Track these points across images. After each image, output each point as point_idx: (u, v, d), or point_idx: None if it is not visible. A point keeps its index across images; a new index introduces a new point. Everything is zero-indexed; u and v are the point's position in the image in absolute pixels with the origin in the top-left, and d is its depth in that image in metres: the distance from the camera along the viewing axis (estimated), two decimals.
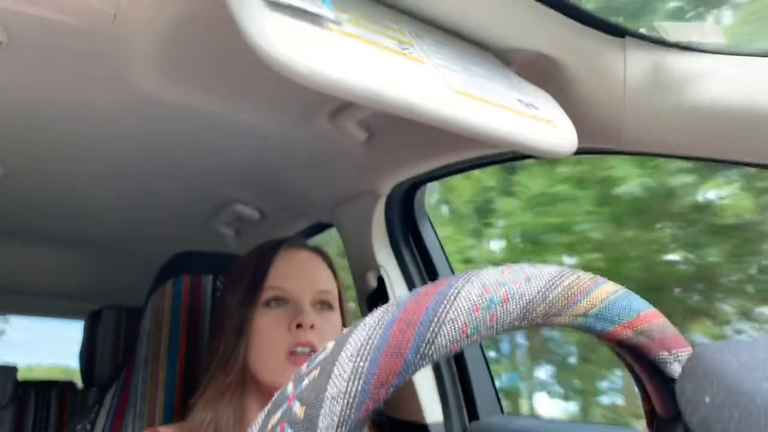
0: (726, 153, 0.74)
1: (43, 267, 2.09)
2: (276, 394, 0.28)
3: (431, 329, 0.28)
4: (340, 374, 0.26)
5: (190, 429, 0.84)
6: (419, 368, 0.28)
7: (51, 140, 1.14)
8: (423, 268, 1.30)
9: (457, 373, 1.24)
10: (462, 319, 0.28)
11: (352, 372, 0.26)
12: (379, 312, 0.29)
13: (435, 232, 1.34)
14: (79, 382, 2.04)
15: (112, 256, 2.02)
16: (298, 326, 0.85)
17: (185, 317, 1.06)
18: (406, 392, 1.20)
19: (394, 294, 1.24)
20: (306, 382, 0.27)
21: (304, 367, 0.28)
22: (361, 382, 0.26)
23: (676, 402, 0.36)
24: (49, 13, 0.73)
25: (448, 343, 0.28)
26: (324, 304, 0.91)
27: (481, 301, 0.29)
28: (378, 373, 0.26)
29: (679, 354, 0.36)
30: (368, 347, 0.27)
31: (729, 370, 0.29)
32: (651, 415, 0.39)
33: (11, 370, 1.83)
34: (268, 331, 0.85)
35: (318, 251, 0.97)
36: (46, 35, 0.78)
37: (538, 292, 0.31)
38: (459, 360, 1.24)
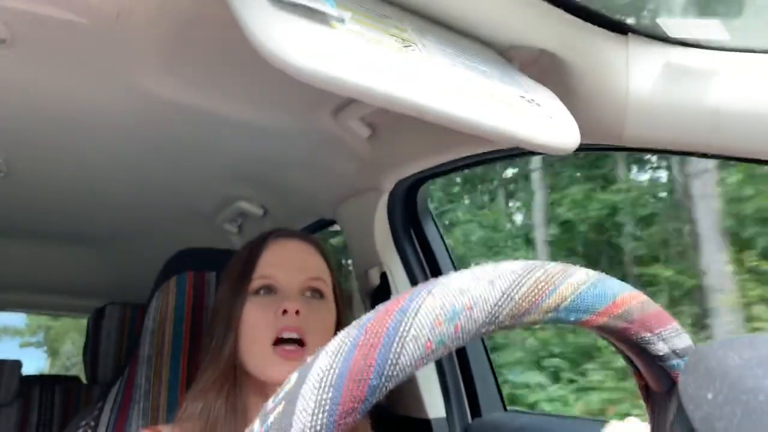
0: (730, 149, 0.74)
1: (48, 264, 2.10)
2: None
3: (393, 350, 0.27)
4: (304, 408, 0.25)
5: (181, 422, 0.84)
6: (386, 390, 0.27)
7: (54, 138, 1.14)
8: (426, 265, 1.30)
9: (459, 370, 1.24)
10: (425, 334, 0.27)
11: (316, 404, 0.25)
12: (340, 336, 0.28)
13: (438, 228, 1.34)
14: (83, 378, 2.05)
15: (116, 253, 2.02)
16: (284, 312, 0.84)
17: (189, 314, 1.06)
18: (409, 388, 1.21)
19: (397, 290, 1.24)
20: (271, 419, 0.26)
21: (270, 403, 0.27)
22: (326, 414, 0.25)
23: (667, 376, 0.36)
24: (51, 10, 0.73)
25: (413, 361, 0.27)
26: (315, 292, 0.90)
27: (442, 313, 0.28)
28: (342, 402, 0.26)
29: (662, 332, 0.35)
30: (330, 376, 0.26)
31: (732, 367, 0.29)
32: (645, 389, 0.39)
33: (16, 366, 1.84)
34: (254, 319, 0.85)
35: (310, 240, 0.95)
36: (48, 33, 0.78)
37: (503, 294, 0.30)
38: (461, 356, 1.25)
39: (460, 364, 1.25)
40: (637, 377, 0.39)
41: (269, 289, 0.88)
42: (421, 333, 0.27)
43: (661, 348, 0.35)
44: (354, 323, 0.28)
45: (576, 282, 0.32)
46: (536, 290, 0.31)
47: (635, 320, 0.34)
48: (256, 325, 0.85)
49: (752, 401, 0.27)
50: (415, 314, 0.28)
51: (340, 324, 0.92)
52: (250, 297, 0.87)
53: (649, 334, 0.35)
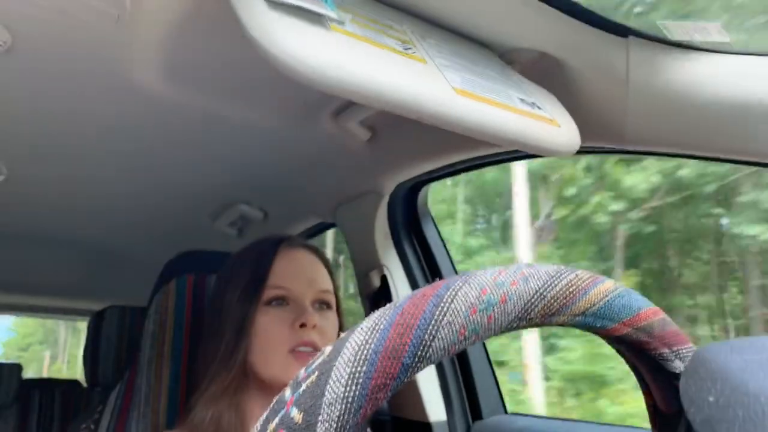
0: (729, 152, 0.74)
1: (48, 267, 2.09)
2: (274, 400, 0.27)
3: (428, 332, 0.27)
4: (337, 379, 0.26)
5: (191, 428, 0.84)
6: (417, 371, 0.27)
7: (55, 141, 1.14)
8: (426, 268, 1.30)
9: (460, 373, 1.24)
10: (459, 321, 0.28)
11: (349, 377, 0.26)
12: (376, 315, 0.29)
13: (438, 231, 1.34)
14: (83, 381, 2.05)
15: (116, 256, 2.02)
16: (302, 326, 0.85)
17: (189, 317, 1.06)
18: (410, 391, 1.20)
19: (398, 293, 1.24)
20: (303, 387, 0.27)
21: (302, 372, 0.28)
22: (358, 386, 0.26)
23: (678, 397, 0.36)
24: (52, 14, 0.73)
25: (446, 346, 0.28)
26: (323, 304, 0.91)
27: (478, 302, 0.29)
28: (375, 377, 0.26)
29: (680, 350, 0.36)
30: (366, 351, 0.27)
31: (733, 369, 0.29)
32: (653, 409, 0.39)
33: (16, 368, 1.83)
34: (270, 330, 0.85)
35: (316, 251, 0.97)
36: (49, 36, 0.78)
37: (536, 292, 0.31)
38: (462, 359, 1.24)
39: (461, 366, 1.25)
40: (646, 396, 0.39)
41: (283, 300, 0.88)
42: (455, 319, 0.28)
43: (677, 366, 0.36)
44: (389, 305, 0.29)
45: (605, 289, 0.33)
46: (567, 292, 0.32)
47: (656, 335, 0.35)
48: (273, 337, 0.85)
49: (754, 404, 0.26)
50: (452, 300, 0.29)
51: (342, 332, 0.92)
52: (263, 306, 0.87)
53: (667, 351, 0.35)
